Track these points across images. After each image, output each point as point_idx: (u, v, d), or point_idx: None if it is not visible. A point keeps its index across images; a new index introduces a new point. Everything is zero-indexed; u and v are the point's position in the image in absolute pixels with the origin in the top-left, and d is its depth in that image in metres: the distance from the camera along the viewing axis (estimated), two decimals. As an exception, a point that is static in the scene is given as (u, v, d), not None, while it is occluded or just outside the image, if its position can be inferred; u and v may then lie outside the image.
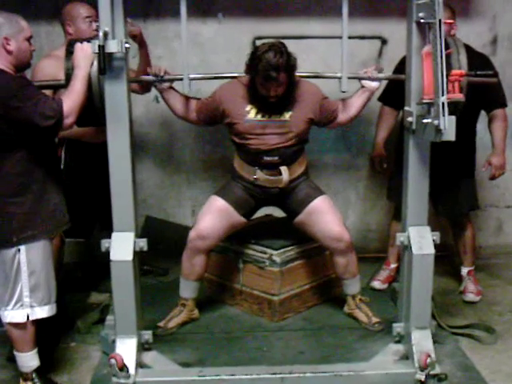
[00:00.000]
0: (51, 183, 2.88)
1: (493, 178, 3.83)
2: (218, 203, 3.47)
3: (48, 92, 2.99)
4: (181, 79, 3.22)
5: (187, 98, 3.39)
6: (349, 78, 3.26)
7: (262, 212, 3.97)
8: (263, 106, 3.33)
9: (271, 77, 3.14)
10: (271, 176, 3.43)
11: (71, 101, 2.71)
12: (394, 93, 3.64)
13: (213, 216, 3.45)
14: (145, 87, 3.68)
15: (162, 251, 4.27)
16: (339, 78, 3.26)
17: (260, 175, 3.43)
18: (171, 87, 3.33)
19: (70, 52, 2.89)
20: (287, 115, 3.34)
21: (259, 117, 3.34)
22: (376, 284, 4.08)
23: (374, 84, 3.36)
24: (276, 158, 3.39)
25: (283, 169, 3.41)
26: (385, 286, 4.07)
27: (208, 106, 3.41)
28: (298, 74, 3.34)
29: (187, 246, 3.49)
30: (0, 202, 2.74)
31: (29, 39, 2.80)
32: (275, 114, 3.34)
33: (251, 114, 3.34)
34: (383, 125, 3.99)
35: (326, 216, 3.45)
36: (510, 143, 4.55)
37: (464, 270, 4.04)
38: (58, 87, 2.96)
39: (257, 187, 3.48)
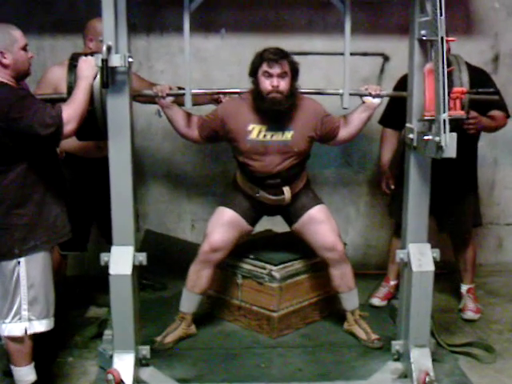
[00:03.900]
0: (52, 194, 2.87)
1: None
2: (228, 214, 3.49)
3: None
4: (183, 94, 3.23)
5: (189, 115, 3.39)
6: (350, 94, 3.28)
7: (262, 227, 3.97)
8: (266, 118, 3.32)
9: (273, 59, 3.19)
10: (273, 196, 3.46)
11: (71, 109, 2.70)
12: (395, 114, 3.66)
13: (224, 228, 3.47)
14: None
15: (161, 265, 4.25)
16: (341, 95, 3.27)
17: (262, 194, 3.46)
18: (174, 102, 3.34)
19: (73, 66, 2.90)
20: (289, 135, 3.34)
21: (261, 137, 3.33)
22: (375, 301, 4.06)
23: (376, 101, 3.35)
24: (278, 180, 3.42)
25: (286, 189, 3.45)
26: (384, 303, 4.05)
27: (210, 124, 3.40)
28: (300, 90, 3.35)
29: (198, 259, 3.50)
30: (2, 213, 2.74)
31: (24, 48, 2.78)
32: (277, 131, 3.33)
33: (253, 133, 3.33)
34: (386, 147, 3.99)
35: (321, 226, 3.48)
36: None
37: (464, 288, 4.02)
38: (60, 100, 2.96)
39: (259, 201, 3.49)
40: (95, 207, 3.74)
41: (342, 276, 3.54)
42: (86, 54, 2.92)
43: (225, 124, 3.37)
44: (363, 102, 3.37)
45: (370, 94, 3.32)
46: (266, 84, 3.23)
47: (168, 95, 3.25)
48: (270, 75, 3.22)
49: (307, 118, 3.38)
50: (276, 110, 3.27)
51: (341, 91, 3.27)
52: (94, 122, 2.89)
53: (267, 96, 3.24)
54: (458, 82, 2.93)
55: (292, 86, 3.27)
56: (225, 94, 3.52)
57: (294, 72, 3.29)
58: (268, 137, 3.34)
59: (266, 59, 3.22)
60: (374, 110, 3.41)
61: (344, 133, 3.47)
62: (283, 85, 3.23)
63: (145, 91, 3.35)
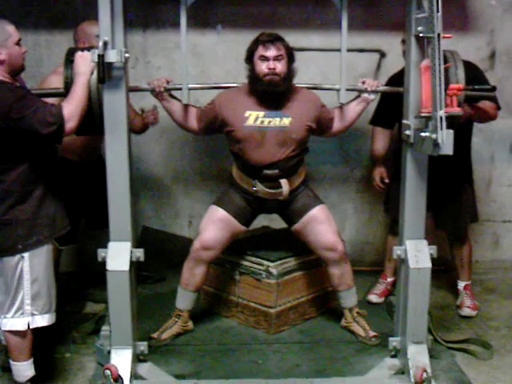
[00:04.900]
0: (52, 188, 2.89)
1: None
2: (219, 213, 3.47)
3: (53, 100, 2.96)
4: (180, 89, 3.24)
5: (187, 106, 3.39)
6: (347, 89, 3.29)
7: (259, 223, 3.98)
8: (263, 104, 3.30)
9: (269, 40, 3.22)
10: (271, 189, 3.42)
11: (72, 105, 2.70)
12: (384, 114, 3.76)
13: (215, 226, 3.45)
14: (142, 128, 3.79)
15: (159, 262, 4.26)
16: (338, 90, 3.28)
17: (260, 188, 3.42)
18: (171, 95, 3.34)
19: (69, 61, 2.89)
20: (287, 121, 3.32)
21: (258, 123, 3.31)
22: (372, 298, 4.07)
23: (372, 96, 3.38)
24: (276, 171, 3.37)
25: (283, 182, 3.40)
26: (381, 299, 4.06)
27: (207, 114, 3.41)
28: (297, 84, 3.36)
29: (190, 256, 3.49)
30: (4, 210, 2.75)
31: (18, 43, 2.78)
32: (274, 117, 3.30)
33: (250, 120, 3.31)
34: (378, 142, 3.98)
35: (322, 226, 3.46)
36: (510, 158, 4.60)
37: (461, 285, 4.03)
38: (58, 95, 2.96)
39: (256, 198, 3.47)
40: (82, 202, 3.76)
41: (342, 275, 3.54)
42: (82, 49, 2.91)
43: (221, 113, 3.36)
44: (359, 95, 3.39)
45: (367, 90, 3.34)
46: (263, 67, 3.23)
47: (165, 90, 3.27)
48: (265, 58, 3.23)
49: (305, 107, 3.38)
50: (273, 94, 3.27)
51: (337, 86, 3.29)
52: (90, 117, 2.88)
53: (264, 78, 3.24)
54: (454, 78, 2.93)
55: (288, 69, 3.28)
56: (221, 88, 3.51)
57: (290, 55, 3.30)
58: (265, 123, 3.31)
59: (261, 42, 3.23)
60: (369, 104, 3.44)
61: (338, 125, 3.49)
62: (280, 67, 3.23)
63: (142, 86, 3.36)
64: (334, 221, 3.55)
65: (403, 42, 3.54)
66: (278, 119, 3.32)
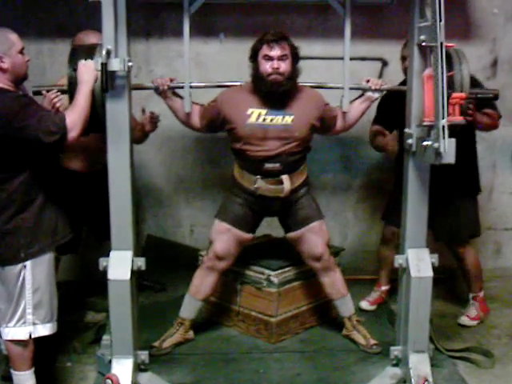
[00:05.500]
0: (53, 196, 2.89)
1: None
2: (222, 227, 3.47)
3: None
4: (182, 87, 3.28)
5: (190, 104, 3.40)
6: (351, 88, 3.33)
7: (261, 232, 3.97)
8: (265, 102, 3.30)
9: (273, 39, 3.21)
10: (272, 185, 3.38)
11: (75, 114, 2.71)
12: (385, 117, 3.80)
13: (223, 238, 3.46)
14: (143, 136, 3.77)
15: (163, 270, 4.27)
16: (342, 88, 3.34)
17: (261, 184, 3.38)
18: (174, 93, 3.37)
19: (73, 58, 2.89)
20: (289, 119, 3.31)
21: (260, 121, 3.30)
22: (363, 304, 4.05)
23: (376, 94, 3.41)
24: (277, 164, 3.34)
25: (284, 178, 3.37)
26: (372, 307, 4.05)
27: (210, 111, 3.41)
28: (300, 83, 3.38)
29: (203, 265, 3.51)
30: (6, 219, 2.75)
31: (21, 51, 2.79)
32: (277, 115, 3.30)
33: (252, 117, 3.30)
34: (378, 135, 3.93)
35: (313, 237, 3.48)
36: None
37: (470, 295, 3.97)
38: (62, 93, 2.97)
39: (257, 198, 3.45)
40: (85, 211, 3.75)
41: (333, 283, 3.55)
42: (87, 54, 2.90)
43: (224, 111, 3.36)
44: (363, 94, 3.42)
45: (371, 89, 3.37)
46: (267, 66, 3.23)
47: (169, 88, 3.30)
48: (270, 58, 3.22)
49: (308, 105, 3.38)
50: (276, 93, 3.27)
51: (341, 85, 3.33)
52: (95, 116, 2.87)
53: (268, 78, 3.24)
54: (458, 75, 2.93)
55: (293, 69, 3.28)
56: (224, 87, 3.51)
57: (295, 55, 3.29)
58: (267, 121, 3.30)
59: (266, 41, 3.23)
60: (372, 103, 3.46)
61: (342, 123, 3.50)
62: (284, 67, 3.23)
63: (146, 84, 3.37)
64: (328, 231, 3.55)
65: (403, 58, 3.56)
66: (280, 117, 3.32)
